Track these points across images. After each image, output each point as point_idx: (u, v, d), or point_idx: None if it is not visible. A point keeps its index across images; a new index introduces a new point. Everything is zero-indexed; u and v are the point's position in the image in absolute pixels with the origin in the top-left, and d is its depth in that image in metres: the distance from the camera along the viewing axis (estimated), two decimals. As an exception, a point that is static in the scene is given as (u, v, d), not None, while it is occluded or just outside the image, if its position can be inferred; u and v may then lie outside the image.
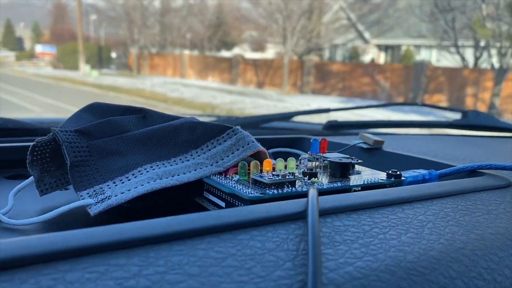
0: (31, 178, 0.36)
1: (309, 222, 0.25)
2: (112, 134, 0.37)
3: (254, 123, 0.90)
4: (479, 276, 0.25)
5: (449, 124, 1.01)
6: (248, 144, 0.38)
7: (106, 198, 0.32)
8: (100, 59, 20.95)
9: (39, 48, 26.71)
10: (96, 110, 0.40)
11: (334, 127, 0.91)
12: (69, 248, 0.21)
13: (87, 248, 0.21)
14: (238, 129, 0.38)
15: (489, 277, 0.26)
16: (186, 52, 17.73)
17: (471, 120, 1.00)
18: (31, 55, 26.85)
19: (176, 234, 0.24)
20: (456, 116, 1.10)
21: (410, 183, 0.40)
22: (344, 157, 0.40)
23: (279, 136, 0.63)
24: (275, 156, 0.60)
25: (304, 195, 0.32)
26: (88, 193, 0.33)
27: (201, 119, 0.40)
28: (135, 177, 0.34)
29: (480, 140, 0.80)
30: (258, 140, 0.59)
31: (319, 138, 0.41)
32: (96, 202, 0.32)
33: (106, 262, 0.21)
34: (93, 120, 0.39)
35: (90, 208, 0.32)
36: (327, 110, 0.97)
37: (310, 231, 0.24)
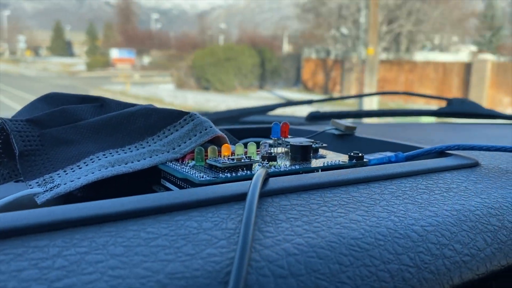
0: None
1: (247, 200, 0.24)
2: (66, 123, 0.37)
3: (234, 117, 0.89)
4: (427, 251, 0.25)
5: (433, 112, 1.00)
6: (206, 129, 0.37)
7: (55, 186, 0.31)
8: (264, 73, 13.35)
9: (114, 53, 20.81)
10: (52, 100, 0.40)
11: (317, 118, 0.90)
12: None
13: (6, 231, 0.20)
14: (195, 114, 0.38)
15: (438, 252, 0.25)
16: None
17: (456, 108, 0.99)
18: (106, 63, 21.12)
19: (109, 216, 0.23)
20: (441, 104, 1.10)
21: (375, 165, 0.40)
22: (306, 141, 0.39)
23: (253, 126, 0.63)
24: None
25: None
26: (37, 182, 0.32)
27: None
28: (87, 165, 0.33)
29: (460, 126, 0.80)
30: (231, 130, 0.59)
31: (280, 122, 0.41)
32: (44, 191, 0.31)
33: (26, 244, 0.20)
34: (48, 109, 0.38)
35: (37, 197, 0.31)
36: (309, 102, 0.96)
37: (246, 208, 0.23)
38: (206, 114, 1.00)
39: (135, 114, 0.37)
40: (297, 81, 13.81)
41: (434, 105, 1.04)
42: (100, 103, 0.40)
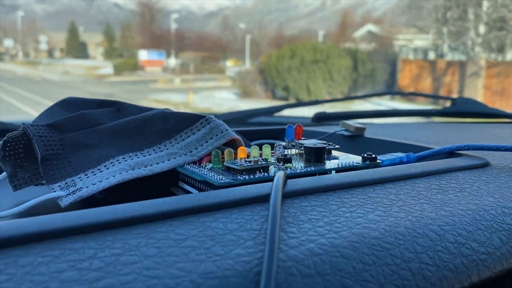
0: (4, 173, 0.36)
1: (271, 202, 0.25)
2: (85, 127, 0.37)
3: (240, 119, 0.90)
4: (445, 250, 0.25)
5: (438, 112, 1.01)
6: (222, 132, 0.38)
7: (77, 190, 0.32)
8: (357, 78, 11.08)
9: (143, 55, 19.08)
10: (69, 104, 0.40)
11: (323, 119, 0.91)
12: (23, 234, 0.21)
13: (43, 234, 0.21)
14: (211, 118, 0.38)
15: (455, 250, 0.26)
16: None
17: (460, 107, 1.00)
18: (134, 66, 19.06)
19: (137, 218, 0.24)
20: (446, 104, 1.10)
21: (387, 166, 0.40)
22: (319, 143, 0.40)
23: (264, 128, 0.63)
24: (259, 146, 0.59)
25: None
26: (59, 186, 0.33)
27: None
28: (107, 168, 0.34)
29: (467, 125, 0.80)
30: (242, 132, 0.60)
31: (294, 125, 0.41)
32: (67, 194, 0.32)
33: (62, 246, 0.21)
34: (66, 114, 0.39)
35: (61, 200, 0.31)
36: (315, 102, 0.97)
37: (271, 209, 0.24)
38: (214, 115, 1.00)
39: (152, 118, 0.38)
40: (390, 87, 11.11)
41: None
42: (117, 107, 0.41)
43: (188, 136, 0.38)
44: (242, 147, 0.37)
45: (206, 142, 0.37)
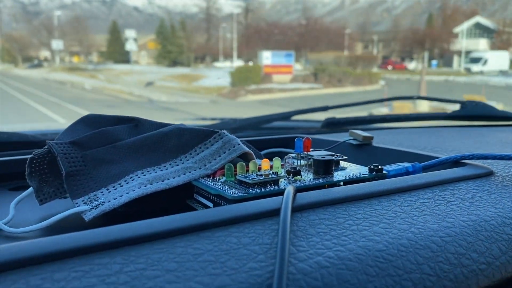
0: (31, 188, 0.38)
1: (281, 217, 0.27)
2: (105, 144, 0.40)
3: (254, 124, 0.92)
4: (446, 260, 0.27)
5: (447, 116, 1.02)
6: (234, 146, 0.40)
7: (100, 204, 0.34)
8: None
9: (266, 58, 13.68)
10: (90, 121, 0.43)
11: (333, 124, 0.92)
12: (57, 251, 0.23)
13: (74, 250, 0.23)
14: (224, 133, 0.40)
15: (456, 261, 0.27)
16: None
17: (470, 111, 1.00)
18: (256, 73, 13.36)
19: (158, 234, 0.26)
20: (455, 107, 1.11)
21: (394, 176, 0.42)
22: (327, 154, 0.42)
23: (274, 136, 0.65)
24: (269, 156, 0.61)
25: None
26: (83, 200, 0.35)
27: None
28: (127, 183, 0.36)
29: (475, 130, 0.81)
30: (253, 141, 0.61)
31: (304, 137, 0.43)
32: (90, 209, 0.34)
33: (91, 262, 0.23)
34: (87, 131, 0.41)
35: (85, 214, 0.34)
36: (325, 108, 0.98)
37: (281, 225, 0.26)
38: (229, 120, 1.02)
39: (168, 134, 0.40)
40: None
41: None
42: (135, 123, 0.43)
43: (202, 151, 0.40)
44: (253, 160, 0.38)
45: (219, 156, 0.39)
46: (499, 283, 0.28)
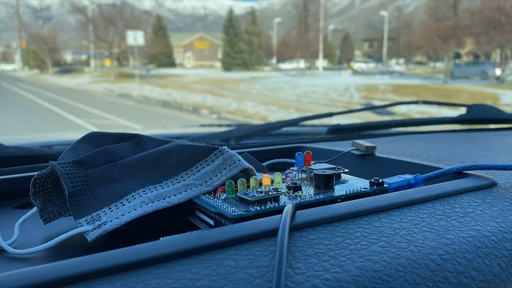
0: (35, 208, 0.39)
1: (278, 239, 0.27)
2: (108, 162, 0.40)
3: (261, 131, 0.92)
4: (444, 279, 0.27)
5: (454, 120, 1.01)
6: (234, 163, 0.40)
7: (102, 224, 0.35)
8: None
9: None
10: (92, 139, 0.43)
11: (337, 131, 0.92)
12: (58, 278, 0.23)
13: (75, 276, 0.24)
14: (224, 149, 0.41)
15: (454, 280, 0.27)
16: None
17: (476, 114, 1.00)
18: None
19: (157, 258, 0.26)
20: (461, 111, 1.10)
21: (395, 189, 0.42)
22: (328, 168, 0.42)
23: (277, 147, 0.65)
24: (272, 166, 0.62)
25: None
26: (86, 220, 0.35)
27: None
28: (129, 202, 0.37)
29: (480, 135, 0.81)
30: (256, 152, 0.62)
31: (304, 152, 0.43)
32: (93, 229, 0.34)
33: None
34: (89, 149, 0.42)
35: (87, 234, 0.34)
36: (330, 114, 0.98)
37: (278, 248, 0.26)
38: (236, 126, 1.03)
39: (169, 152, 0.40)
40: None
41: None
42: (137, 140, 0.43)
43: (203, 167, 0.40)
44: (254, 177, 0.39)
45: (220, 172, 0.39)
46: None
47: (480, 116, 1.00)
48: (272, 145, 0.67)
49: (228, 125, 1.37)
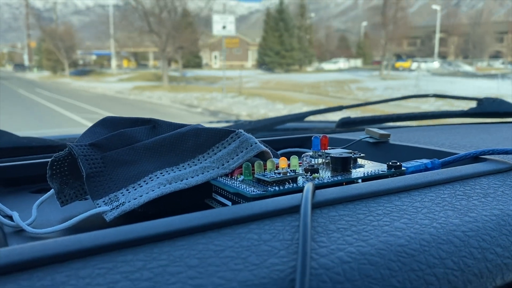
0: (52, 190, 0.39)
1: (301, 213, 0.27)
2: (124, 145, 0.40)
3: (268, 126, 0.92)
4: (470, 255, 0.27)
5: (464, 113, 1.01)
6: (251, 145, 0.40)
7: (120, 204, 0.35)
8: None
9: None
10: (108, 123, 0.43)
11: (348, 124, 0.92)
12: (82, 249, 0.23)
13: (97, 248, 0.23)
14: (241, 132, 0.40)
15: (480, 255, 0.27)
16: None
17: (486, 107, 0.99)
18: None
19: (179, 232, 0.26)
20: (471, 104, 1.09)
21: (412, 173, 0.42)
22: (345, 152, 0.42)
23: (290, 136, 0.65)
24: (286, 155, 0.61)
25: None
26: (103, 201, 0.35)
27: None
28: (146, 183, 0.36)
29: (493, 127, 0.80)
30: (269, 141, 0.61)
31: (320, 135, 0.43)
32: (111, 209, 0.34)
33: (114, 259, 0.23)
34: (106, 133, 0.42)
35: (106, 214, 0.34)
36: (339, 108, 0.98)
37: (301, 221, 0.26)
38: (243, 122, 1.03)
39: (186, 135, 0.40)
40: None
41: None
42: (153, 124, 0.43)
43: (220, 150, 0.40)
44: (271, 159, 0.38)
45: (237, 155, 0.39)
46: None
47: (491, 110, 1.00)
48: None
49: (236, 121, 1.37)
